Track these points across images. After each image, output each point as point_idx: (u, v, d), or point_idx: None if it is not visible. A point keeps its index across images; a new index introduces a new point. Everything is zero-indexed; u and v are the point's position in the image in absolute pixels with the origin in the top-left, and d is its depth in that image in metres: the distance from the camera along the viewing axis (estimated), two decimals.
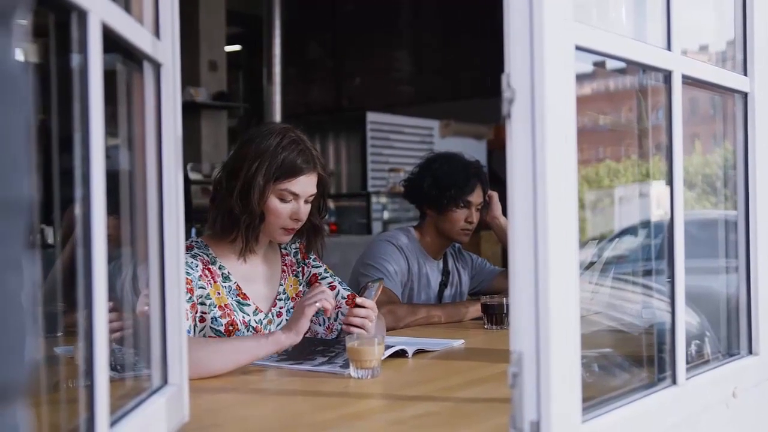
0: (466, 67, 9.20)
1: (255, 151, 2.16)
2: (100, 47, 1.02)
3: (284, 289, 2.34)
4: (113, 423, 1.09)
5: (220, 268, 2.21)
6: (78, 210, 1.01)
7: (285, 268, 2.37)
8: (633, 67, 1.61)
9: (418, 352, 2.17)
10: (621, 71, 1.71)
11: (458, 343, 2.34)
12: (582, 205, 1.32)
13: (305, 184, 2.19)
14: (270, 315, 2.27)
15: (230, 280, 2.21)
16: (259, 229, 2.20)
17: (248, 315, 2.21)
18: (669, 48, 1.52)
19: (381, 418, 1.57)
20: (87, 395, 1.01)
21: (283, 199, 2.18)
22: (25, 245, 0.58)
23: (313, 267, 2.41)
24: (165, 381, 1.37)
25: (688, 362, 1.55)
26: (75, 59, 1.02)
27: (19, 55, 0.57)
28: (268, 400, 1.74)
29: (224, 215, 2.19)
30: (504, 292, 2.91)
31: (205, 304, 2.12)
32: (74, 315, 1.10)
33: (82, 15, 0.99)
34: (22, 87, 0.57)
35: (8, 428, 0.56)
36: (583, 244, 1.33)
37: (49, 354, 1.51)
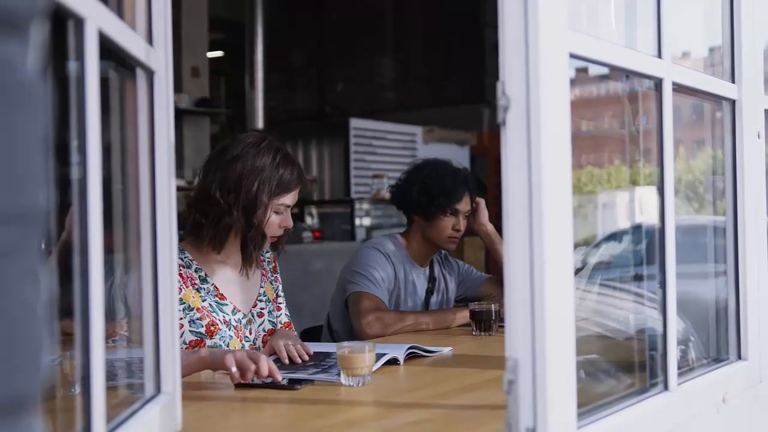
0: (449, 73, 9.22)
1: (251, 169, 2.23)
2: (97, 54, 1.02)
3: (264, 291, 2.42)
4: None
5: (196, 271, 2.27)
6: (74, 217, 1.01)
7: (264, 272, 2.45)
8: (616, 73, 1.62)
9: (411, 355, 2.18)
10: (603, 77, 1.72)
11: (447, 350, 2.34)
12: None
13: (296, 195, 2.32)
14: (250, 315, 2.34)
15: (208, 282, 2.27)
16: (263, 245, 2.29)
17: (227, 314, 2.27)
18: (659, 56, 1.53)
19: (375, 425, 1.57)
20: (83, 404, 1.00)
21: (277, 212, 2.28)
22: (41, 255, 0.57)
23: (279, 282, 2.52)
24: (158, 390, 1.36)
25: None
26: (71, 66, 1.01)
27: (35, 65, 0.57)
28: (260, 409, 1.73)
29: (223, 231, 2.25)
30: (491, 298, 2.92)
31: (180, 310, 2.15)
32: (64, 323, 1.09)
33: (79, 22, 0.99)
34: (38, 96, 0.57)
35: None
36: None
37: None
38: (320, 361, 2.11)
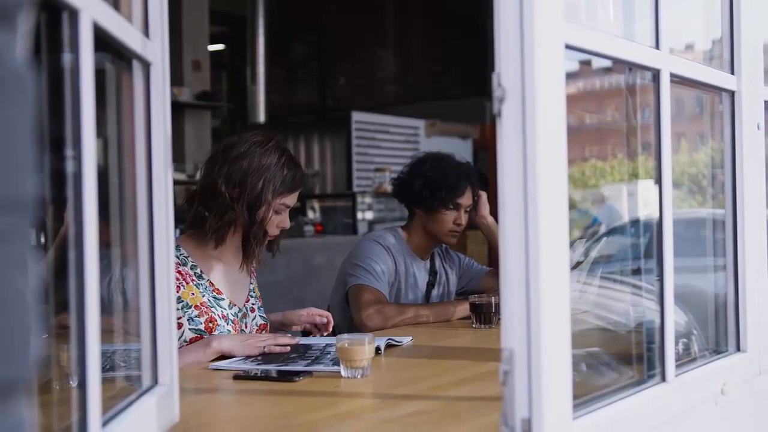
0: (451, 66, 9.22)
1: (257, 167, 2.26)
2: (92, 46, 1.02)
3: (253, 288, 2.46)
4: (105, 423, 1.09)
5: (192, 268, 2.29)
6: (69, 211, 1.01)
7: (252, 270, 2.49)
8: (619, 65, 1.61)
9: (390, 346, 2.24)
10: (607, 70, 1.72)
11: (407, 340, 2.37)
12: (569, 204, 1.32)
13: (296, 197, 2.37)
14: (244, 309, 2.38)
15: (203, 278, 2.30)
16: (264, 241, 2.32)
17: (225, 309, 2.30)
18: (657, 47, 1.52)
19: (373, 417, 1.57)
20: (79, 396, 1.00)
21: (277, 212, 2.31)
22: (30, 243, 0.58)
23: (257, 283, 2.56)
24: (155, 381, 1.36)
25: (676, 360, 1.56)
26: (66, 58, 1.01)
27: (23, 54, 0.57)
28: (258, 401, 1.73)
29: (226, 225, 2.27)
30: (491, 291, 2.92)
31: (178, 308, 2.16)
32: (62, 316, 1.10)
33: (74, 14, 0.99)
34: (26, 85, 0.57)
35: (14, 425, 0.56)
36: (570, 243, 1.33)
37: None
38: (304, 353, 2.12)
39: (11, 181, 0.55)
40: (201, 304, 2.24)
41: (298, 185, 2.34)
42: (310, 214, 7.40)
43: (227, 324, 2.28)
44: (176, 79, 7.19)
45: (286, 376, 1.86)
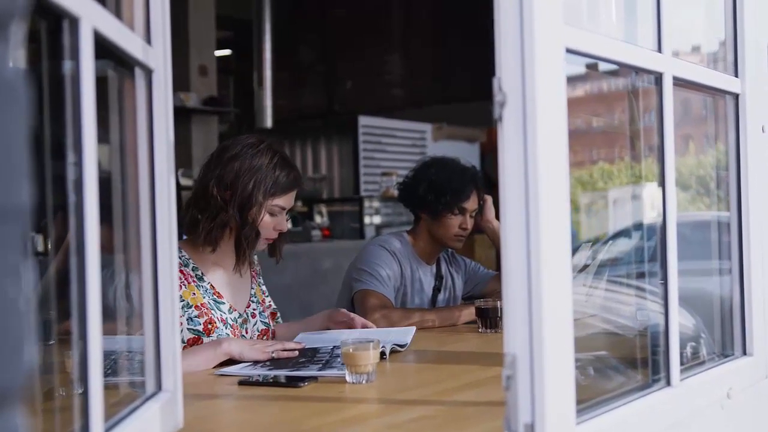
0: (457, 70, 9.20)
1: (249, 168, 2.26)
2: (92, 54, 1.02)
3: (254, 293, 2.46)
4: (108, 430, 1.09)
5: (193, 270, 2.30)
6: (71, 217, 1.01)
7: (254, 274, 2.49)
8: (625, 69, 1.61)
9: (394, 351, 2.22)
10: (613, 73, 1.72)
11: (410, 335, 2.38)
12: (576, 208, 1.32)
13: (292, 199, 2.35)
14: (245, 315, 2.39)
15: (204, 281, 2.31)
16: (256, 243, 2.31)
17: (225, 313, 2.31)
18: (660, 50, 1.52)
19: (377, 422, 1.57)
20: (82, 402, 1.00)
21: (272, 214, 2.31)
22: (23, 251, 0.58)
23: (263, 285, 2.55)
24: (159, 387, 1.36)
25: (683, 364, 1.55)
26: (66, 65, 1.01)
27: (16, 63, 0.58)
28: (263, 407, 1.73)
29: (219, 227, 2.27)
30: (498, 295, 2.91)
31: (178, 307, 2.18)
32: (68, 323, 1.10)
33: (74, 22, 0.99)
34: (20, 94, 0.57)
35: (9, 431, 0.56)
36: (576, 246, 1.33)
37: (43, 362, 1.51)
38: (312, 357, 2.12)
39: (5, 190, 0.55)
40: (201, 305, 2.25)
41: (292, 186, 2.33)
42: (318, 219, 7.39)
43: (226, 328, 2.28)
44: (183, 84, 7.19)
45: (291, 382, 1.86)
